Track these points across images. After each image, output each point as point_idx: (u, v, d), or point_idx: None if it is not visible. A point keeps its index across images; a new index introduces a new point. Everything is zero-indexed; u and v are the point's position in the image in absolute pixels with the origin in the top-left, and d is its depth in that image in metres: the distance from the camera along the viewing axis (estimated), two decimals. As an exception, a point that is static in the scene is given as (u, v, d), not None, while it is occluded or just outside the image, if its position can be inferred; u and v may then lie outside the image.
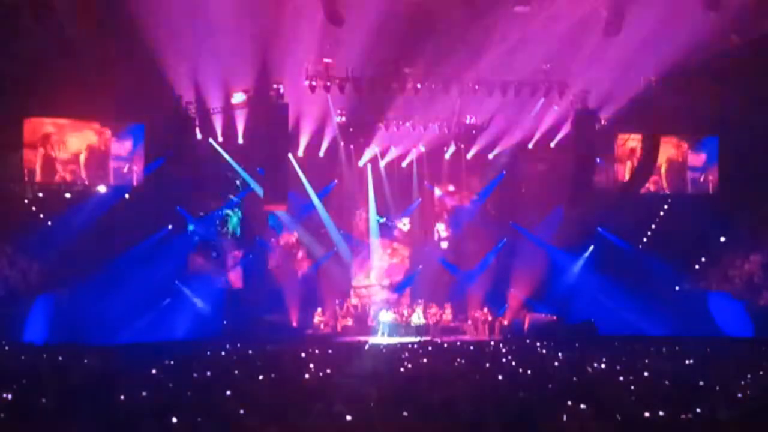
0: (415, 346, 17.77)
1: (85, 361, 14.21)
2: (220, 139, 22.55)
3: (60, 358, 14.36)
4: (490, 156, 24.61)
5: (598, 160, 23.78)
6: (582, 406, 8.86)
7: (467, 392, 10.03)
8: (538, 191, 24.70)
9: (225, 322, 21.34)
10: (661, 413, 8.61)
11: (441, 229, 25.48)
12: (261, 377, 11.83)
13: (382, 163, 24.64)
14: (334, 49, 20.84)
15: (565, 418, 8.48)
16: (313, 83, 21.16)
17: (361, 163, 24.60)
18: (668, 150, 24.39)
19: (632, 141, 24.24)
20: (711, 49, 20.45)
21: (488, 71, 21.53)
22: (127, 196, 21.40)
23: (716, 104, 21.95)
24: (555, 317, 22.50)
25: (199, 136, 22.38)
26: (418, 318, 22.63)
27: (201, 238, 22.81)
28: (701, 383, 10.95)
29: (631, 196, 24.16)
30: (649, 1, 19.52)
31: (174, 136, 21.62)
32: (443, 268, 24.80)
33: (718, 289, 23.45)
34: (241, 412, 8.80)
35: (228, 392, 10.00)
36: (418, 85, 21.90)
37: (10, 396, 9.56)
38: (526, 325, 22.23)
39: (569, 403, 8.99)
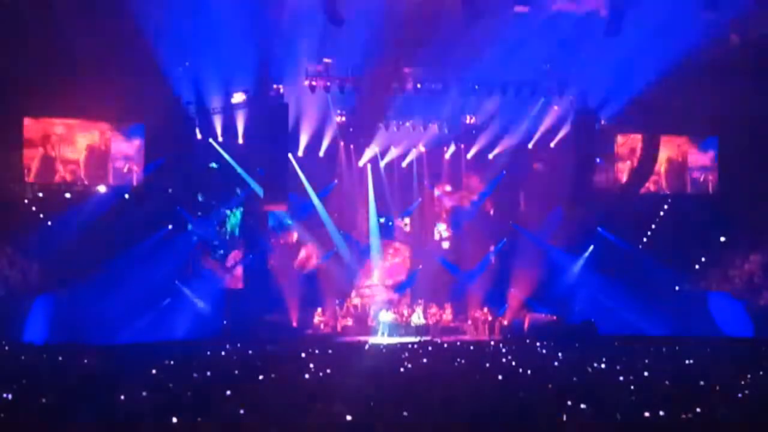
0: (415, 346, 17.77)
1: (85, 361, 14.21)
2: (220, 139, 22.54)
3: (60, 358, 14.35)
4: (490, 156, 24.60)
5: (598, 160, 23.79)
6: (582, 406, 8.87)
7: (467, 392, 10.03)
8: (538, 191, 24.68)
9: (225, 322, 21.33)
10: (661, 413, 8.61)
11: (441, 229, 25.48)
12: (261, 377, 11.83)
13: (382, 163, 24.64)
14: (334, 49, 20.86)
15: (565, 418, 8.48)
16: (313, 83, 21.20)
17: (361, 163, 24.59)
18: (668, 150, 24.38)
19: (632, 141, 24.23)
20: (711, 49, 20.47)
21: (488, 71, 21.55)
22: (127, 196, 21.39)
23: (716, 104, 21.95)
24: (555, 317, 22.49)
25: (199, 136, 22.37)
26: (418, 318, 22.63)
27: (200, 238, 22.79)
28: (701, 383, 10.95)
29: (631, 196, 24.14)
30: (649, 1, 19.55)
31: (174, 136, 21.61)
32: (443, 268, 24.79)
33: (718, 289, 23.45)
34: (241, 412, 8.80)
35: (228, 392, 10.00)
36: (418, 85, 21.93)
37: (10, 396, 9.56)
38: (526, 325, 22.22)
39: (569, 403, 8.99)
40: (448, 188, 25.39)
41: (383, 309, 22.85)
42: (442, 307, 23.22)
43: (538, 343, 17.79)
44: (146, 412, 8.70)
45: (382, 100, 22.46)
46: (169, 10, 19.01)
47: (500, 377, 11.83)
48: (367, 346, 18.63)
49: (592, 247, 23.97)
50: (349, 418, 8.42)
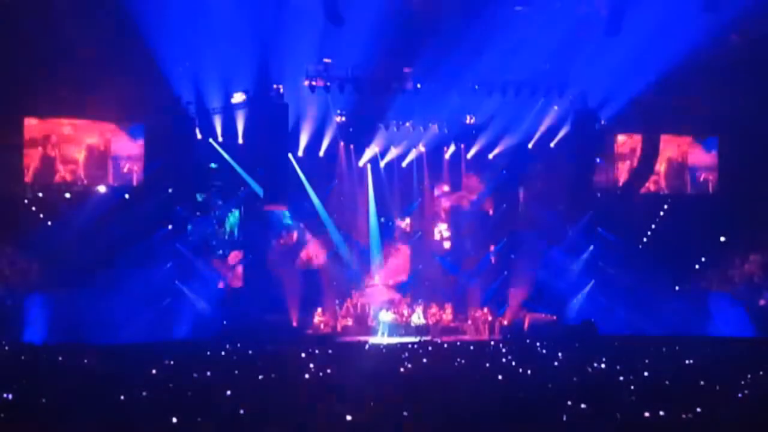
0: (415, 346, 17.78)
1: (85, 361, 14.22)
2: (220, 139, 22.54)
3: (60, 358, 14.36)
4: (490, 156, 24.59)
5: (598, 160, 23.78)
6: (582, 406, 8.87)
7: (467, 392, 10.04)
8: (538, 191, 24.68)
9: (225, 322, 21.32)
10: (661, 413, 8.62)
11: (442, 229, 25.47)
12: (261, 377, 11.84)
13: (382, 163, 24.62)
14: (334, 49, 20.86)
15: (565, 418, 8.49)
16: (313, 83, 21.19)
17: (361, 163, 24.58)
18: (668, 150, 24.38)
19: (632, 141, 24.23)
20: (711, 49, 20.48)
21: (488, 71, 21.54)
22: (127, 196, 21.38)
23: (716, 104, 21.95)
24: (555, 317, 22.49)
25: (199, 136, 22.37)
26: (418, 318, 22.63)
27: (199, 237, 22.77)
28: (701, 383, 10.96)
29: (631, 196, 24.14)
30: (649, 1, 19.56)
31: (174, 136, 21.61)
32: (443, 268, 24.79)
33: (718, 289, 23.44)
34: (241, 412, 8.80)
35: (228, 392, 10.01)
36: (418, 85, 21.92)
37: (10, 396, 9.57)
38: (526, 325, 22.22)
39: (569, 403, 9.00)
40: (447, 188, 25.39)
41: (383, 309, 22.85)
42: (442, 307, 23.21)
43: (538, 343, 17.79)
44: (146, 412, 8.71)
45: (382, 100, 22.46)
46: (169, 10, 19.00)
47: (500, 377, 11.84)
48: (367, 346, 18.64)
49: (592, 247, 23.96)
50: (349, 418, 8.43)
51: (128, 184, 21.52)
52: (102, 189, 21.32)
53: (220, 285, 22.66)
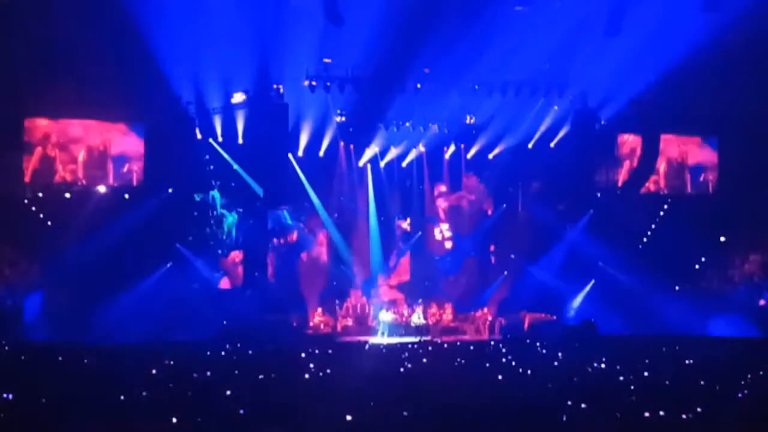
0: (415, 346, 17.77)
1: (85, 361, 14.22)
2: (220, 139, 22.53)
3: (60, 358, 14.36)
4: (490, 156, 24.59)
5: (598, 160, 23.77)
6: (582, 406, 8.87)
7: (467, 392, 10.04)
8: (538, 191, 24.68)
9: (225, 322, 21.31)
10: (661, 413, 8.62)
11: (443, 228, 25.46)
12: (261, 377, 11.84)
13: (382, 163, 24.63)
14: (334, 49, 20.86)
15: (565, 418, 8.49)
16: (313, 83, 21.19)
17: (361, 163, 24.58)
18: (668, 150, 24.38)
19: (632, 141, 24.22)
20: (711, 49, 20.48)
21: (488, 71, 21.55)
22: (127, 196, 21.38)
23: (716, 104, 21.95)
24: (555, 317, 22.48)
25: (199, 136, 22.36)
26: (418, 318, 22.62)
27: (198, 237, 22.75)
28: (701, 383, 10.96)
29: (631, 196, 24.13)
30: (649, 1, 19.57)
31: (174, 136, 21.60)
32: (443, 268, 24.77)
33: (718, 289, 23.43)
34: (241, 412, 8.81)
35: (228, 392, 10.01)
36: (418, 85, 21.92)
37: (10, 396, 9.57)
38: (526, 325, 22.21)
39: (569, 403, 9.00)
40: (448, 188, 25.38)
41: (383, 309, 22.85)
42: (442, 307, 23.21)
43: (538, 343, 17.79)
44: (146, 412, 8.71)
45: (382, 100, 22.47)
46: (169, 11, 19.01)
47: (500, 377, 11.84)
48: (367, 346, 18.63)
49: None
50: (349, 418, 8.43)
51: (128, 184, 21.50)
52: (102, 189, 21.31)
53: (221, 285, 22.65)
